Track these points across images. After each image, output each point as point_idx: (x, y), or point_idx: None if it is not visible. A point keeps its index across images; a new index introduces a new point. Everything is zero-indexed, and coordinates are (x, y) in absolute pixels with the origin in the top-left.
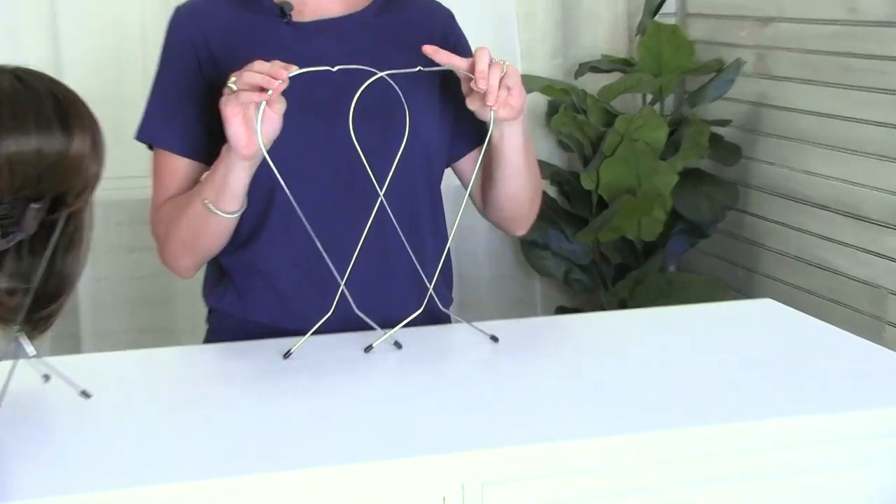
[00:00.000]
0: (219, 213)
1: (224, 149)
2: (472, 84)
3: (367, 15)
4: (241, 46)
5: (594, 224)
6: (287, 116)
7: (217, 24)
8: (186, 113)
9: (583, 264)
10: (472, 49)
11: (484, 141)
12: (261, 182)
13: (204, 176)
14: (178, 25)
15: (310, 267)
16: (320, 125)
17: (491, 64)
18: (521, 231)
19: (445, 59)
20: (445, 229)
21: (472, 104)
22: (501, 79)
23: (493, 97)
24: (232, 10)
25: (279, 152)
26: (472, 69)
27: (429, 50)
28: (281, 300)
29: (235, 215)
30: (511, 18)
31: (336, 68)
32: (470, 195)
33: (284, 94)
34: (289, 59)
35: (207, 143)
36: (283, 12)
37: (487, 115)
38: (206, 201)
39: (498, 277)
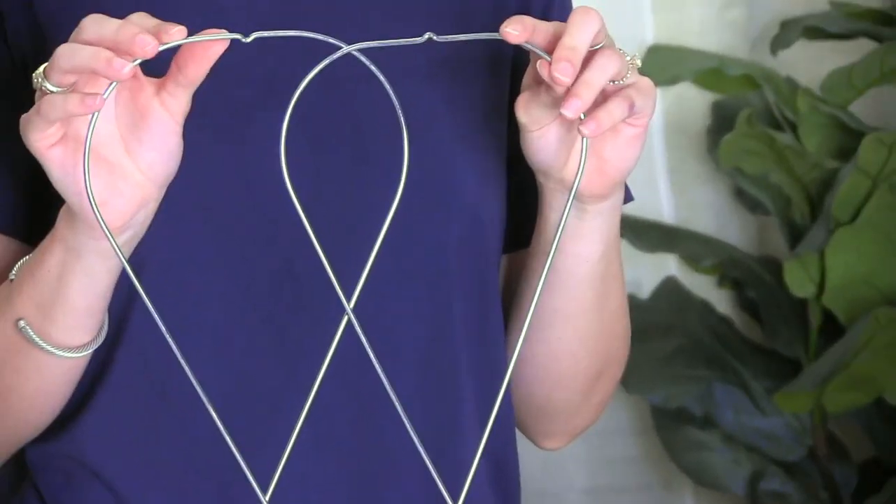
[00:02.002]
0: (48, 347)
1: (62, 214)
2: (541, 67)
3: None
4: None
5: (814, 373)
6: None
7: None
8: None
9: (789, 461)
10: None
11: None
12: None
13: (17, 267)
14: None
15: (202, 466)
16: (225, 159)
17: (600, 48)
18: (555, 443)
19: (527, 34)
20: (503, 367)
21: (525, 110)
22: (622, 89)
23: (579, 101)
24: None
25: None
26: (550, 45)
27: (514, 33)
28: None
29: (82, 354)
30: None
31: (252, 37)
32: None
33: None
34: (171, 11)
35: (42, 203)
36: None
37: (550, 153)
38: (21, 322)
39: (604, 489)
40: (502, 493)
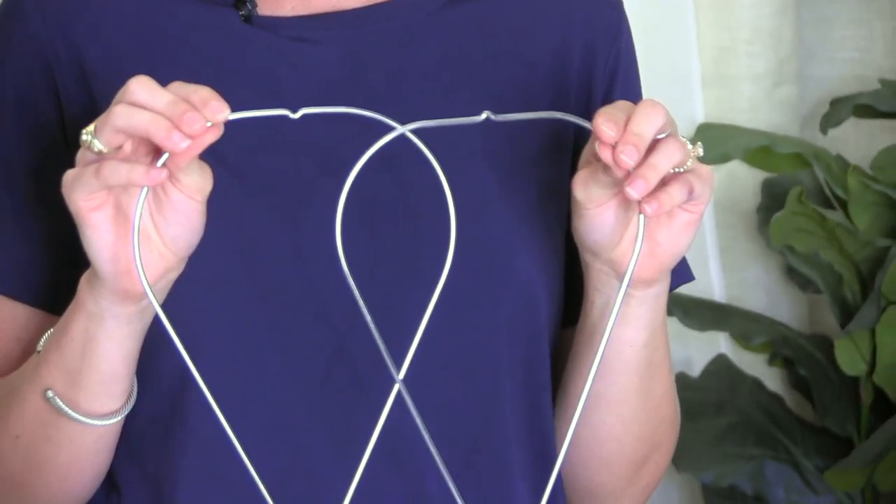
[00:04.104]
0: (77, 416)
1: (84, 281)
2: (599, 148)
3: (423, 6)
4: (149, 60)
5: (865, 451)
6: (212, 215)
7: (104, 20)
8: (23, 207)
9: None
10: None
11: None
12: (169, 361)
13: (44, 339)
14: (19, 21)
15: None
16: (280, 239)
17: (664, 138)
18: None
19: (620, 134)
20: (553, 446)
21: (583, 188)
22: (682, 174)
23: (644, 182)
24: None
25: (192, 294)
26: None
27: (609, 133)
28: None
29: (112, 421)
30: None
31: (300, 113)
32: None
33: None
34: (235, 91)
35: (70, 272)
36: None
37: (604, 233)
38: (49, 393)
39: None
40: None
